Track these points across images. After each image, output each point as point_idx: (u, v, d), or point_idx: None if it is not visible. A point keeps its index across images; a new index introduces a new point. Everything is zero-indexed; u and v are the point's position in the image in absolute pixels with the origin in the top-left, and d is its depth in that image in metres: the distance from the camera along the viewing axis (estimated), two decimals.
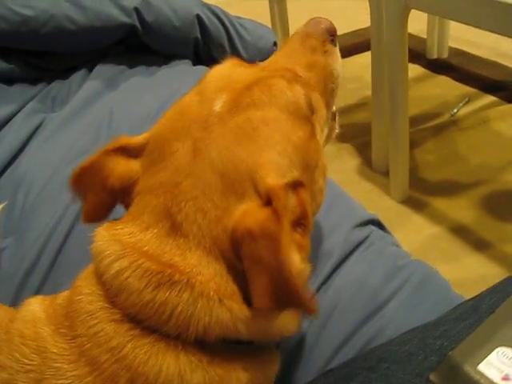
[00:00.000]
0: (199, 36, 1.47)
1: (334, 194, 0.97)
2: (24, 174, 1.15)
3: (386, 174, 2.03)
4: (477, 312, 0.59)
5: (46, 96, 1.40)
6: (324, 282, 0.83)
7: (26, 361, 0.57)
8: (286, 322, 0.62)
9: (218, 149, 0.60)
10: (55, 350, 0.58)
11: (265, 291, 0.55)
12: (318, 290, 0.82)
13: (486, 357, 0.46)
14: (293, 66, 0.71)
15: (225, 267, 0.58)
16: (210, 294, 0.56)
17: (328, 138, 0.78)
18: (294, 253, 0.56)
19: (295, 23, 2.33)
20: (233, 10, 1.59)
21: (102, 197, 0.68)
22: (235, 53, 1.52)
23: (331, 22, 0.76)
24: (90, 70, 1.43)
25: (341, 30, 0.81)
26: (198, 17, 1.45)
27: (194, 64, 1.51)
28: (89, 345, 0.57)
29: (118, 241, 0.60)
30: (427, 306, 0.78)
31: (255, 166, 0.58)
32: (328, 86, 0.74)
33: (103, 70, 1.42)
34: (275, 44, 1.57)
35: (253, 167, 0.58)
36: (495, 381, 0.44)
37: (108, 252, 0.59)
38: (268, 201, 0.57)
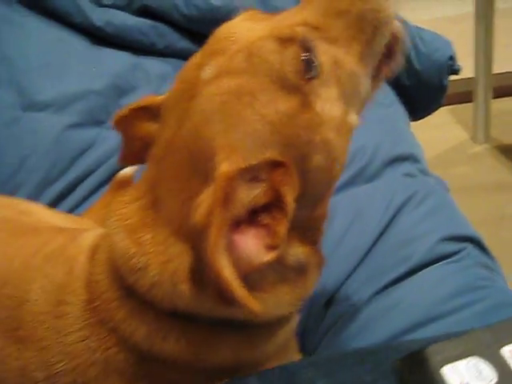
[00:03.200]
0: None
1: (436, 204, 0.96)
2: None
3: None
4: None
5: None
6: (393, 283, 0.83)
7: (59, 276, 0.68)
8: (269, 306, 0.60)
9: (192, 123, 0.58)
10: (79, 274, 0.67)
11: (210, 285, 0.53)
12: (386, 288, 0.83)
13: (455, 361, 0.44)
14: (313, 16, 0.61)
15: (188, 249, 0.57)
16: (165, 277, 0.58)
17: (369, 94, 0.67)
18: (247, 240, 0.54)
19: (500, 45, 2.26)
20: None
21: (129, 151, 0.74)
22: (408, 61, 1.51)
23: None
24: None
25: None
26: None
27: None
28: (93, 285, 0.65)
29: (115, 210, 0.64)
30: None
31: (216, 149, 0.55)
32: (367, 32, 0.61)
33: None
34: (451, 58, 1.52)
35: (214, 149, 0.55)
36: None
37: (108, 221, 0.65)
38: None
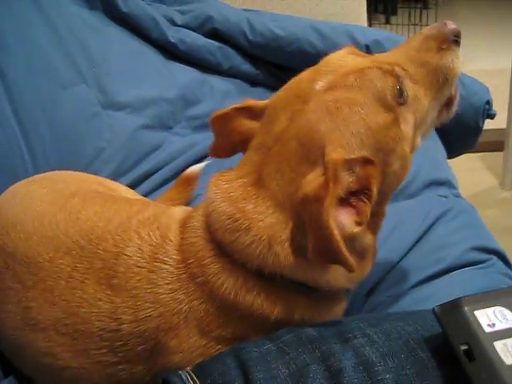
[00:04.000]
0: None
1: (467, 219, 1.11)
2: None
3: None
4: None
5: None
6: (426, 280, 0.96)
7: (153, 239, 0.80)
8: (335, 278, 0.74)
9: (305, 121, 0.72)
10: (172, 239, 0.80)
11: (313, 246, 0.67)
12: (420, 283, 0.96)
13: (484, 308, 0.56)
14: (403, 61, 0.78)
15: (287, 219, 0.71)
16: (263, 238, 0.71)
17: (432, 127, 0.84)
18: (342, 215, 0.68)
19: None
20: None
21: (226, 143, 0.87)
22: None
23: (456, 25, 0.80)
24: None
25: None
26: None
27: None
28: (186, 247, 0.78)
29: (217, 186, 0.78)
30: None
31: (327, 141, 0.70)
32: (439, 81, 0.79)
33: None
34: (488, 103, 1.64)
35: (325, 141, 0.70)
36: (482, 324, 0.55)
37: (209, 193, 0.78)
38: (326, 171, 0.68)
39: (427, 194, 1.20)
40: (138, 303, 0.76)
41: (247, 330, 0.75)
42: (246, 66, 1.70)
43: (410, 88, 0.76)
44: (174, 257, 0.78)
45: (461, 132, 1.66)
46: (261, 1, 1.93)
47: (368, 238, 0.76)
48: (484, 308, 0.56)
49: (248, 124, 0.84)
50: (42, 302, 0.80)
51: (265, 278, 0.73)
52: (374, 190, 0.70)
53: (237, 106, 0.85)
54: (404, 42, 0.83)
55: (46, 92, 1.28)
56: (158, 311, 0.75)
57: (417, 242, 1.04)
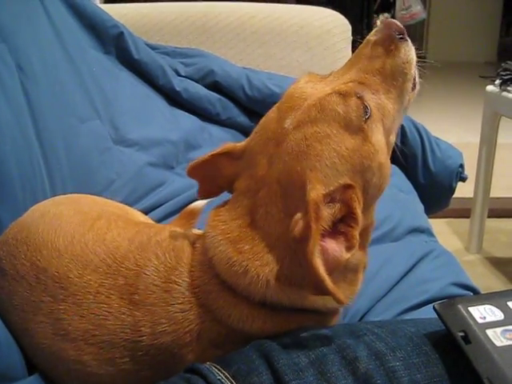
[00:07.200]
0: (398, 143, 1.75)
1: (448, 260, 1.24)
2: None
3: None
4: None
5: None
6: (410, 309, 1.07)
7: (169, 260, 0.85)
8: (331, 301, 0.74)
9: (282, 163, 0.75)
10: (185, 261, 0.84)
11: (308, 282, 0.71)
12: (404, 312, 1.07)
13: (477, 305, 0.68)
14: (358, 74, 0.79)
15: (281, 256, 0.75)
16: (260, 277, 0.75)
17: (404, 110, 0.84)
18: (332, 245, 0.71)
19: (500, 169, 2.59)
20: None
21: (211, 186, 0.90)
22: (425, 163, 1.80)
23: (397, 24, 0.80)
24: None
25: None
26: (402, 126, 1.74)
27: None
28: (195, 278, 0.82)
29: (214, 227, 0.82)
30: None
31: (306, 181, 0.72)
32: (398, 81, 0.79)
33: None
34: (461, 166, 1.81)
35: (304, 182, 0.72)
36: (475, 317, 0.66)
37: (208, 235, 0.82)
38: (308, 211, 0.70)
39: (410, 238, 1.33)
40: (155, 318, 0.80)
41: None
42: (243, 119, 1.85)
43: (372, 99, 0.77)
44: (187, 280, 0.82)
45: (436, 191, 1.81)
46: (256, 63, 2.08)
47: (359, 254, 0.80)
48: (476, 306, 0.68)
49: (230, 167, 0.87)
50: (72, 315, 0.84)
51: (268, 307, 0.78)
52: (358, 212, 0.73)
53: (216, 152, 0.87)
54: (355, 54, 0.83)
55: (65, 123, 1.36)
56: (172, 328, 0.80)
57: (403, 277, 1.15)
